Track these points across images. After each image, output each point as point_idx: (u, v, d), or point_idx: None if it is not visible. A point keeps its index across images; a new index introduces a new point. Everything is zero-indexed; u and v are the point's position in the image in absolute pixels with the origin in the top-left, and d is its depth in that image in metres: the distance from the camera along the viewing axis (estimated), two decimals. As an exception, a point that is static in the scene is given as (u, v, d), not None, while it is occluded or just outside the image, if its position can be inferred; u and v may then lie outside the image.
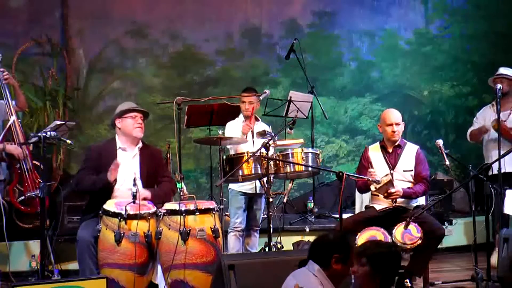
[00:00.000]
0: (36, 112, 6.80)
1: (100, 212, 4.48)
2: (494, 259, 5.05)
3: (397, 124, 5.20)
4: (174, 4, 7.54)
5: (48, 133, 4.78)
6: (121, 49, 7.42)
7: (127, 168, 4.80)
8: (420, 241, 4.76)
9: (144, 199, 4.60)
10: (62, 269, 5.46)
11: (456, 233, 6.59)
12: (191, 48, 7.60)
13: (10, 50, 6.64)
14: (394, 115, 5.25)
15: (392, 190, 5.02)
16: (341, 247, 3.32)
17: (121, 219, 4.35)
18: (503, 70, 5.95)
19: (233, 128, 5.70)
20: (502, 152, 5.23)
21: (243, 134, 5.50)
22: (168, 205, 4.59)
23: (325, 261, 3.30)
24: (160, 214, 4.48)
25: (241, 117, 5.78)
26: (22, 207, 5.34)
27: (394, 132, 5.18)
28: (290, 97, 5.99)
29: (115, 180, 4.73)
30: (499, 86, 5.50)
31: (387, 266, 3.24)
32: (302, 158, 5.18)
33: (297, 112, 5.91)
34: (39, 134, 4.78)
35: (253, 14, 7.79)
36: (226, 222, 5.64)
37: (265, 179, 5.12)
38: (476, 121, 6.12)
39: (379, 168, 5.22)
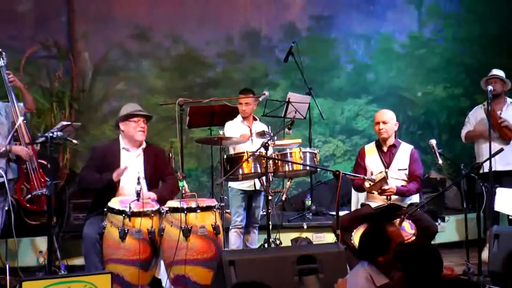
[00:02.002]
0: (43, 113, 6.81)
1: (105, 209, 4.51)
2: (485, 254, 5.08)
3: (383, 122, 5.23)
4: (176, 8, 7.54)
5: (55, 133, 4.81)
6: (125, 52, 7.43)
7: (131, 167, 4.82)
8: (413, 238, 4.79)
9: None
10: (68, 265, 5.48)
11: (448, 230, 6.61)
12: (193, 50, 7.61)
13: (18, 54, 6.66)
14: (381, 114, 5.30)
15: (386, 187, 5.05)
16: (377, 240, 3.31)
17: (125, 216, 4.37)
18: (496, 72, 5.98)
19: (232, 128, 5.72)
20: (492, 147, 5.27)
21: (242, 138, 5.52)
22: (171, 203, 4.61)
23: (369, 257, 3.30)
24: (162, 211, 4.51)
25: (239, 117, 5.80)
26: (28, 205, 5.35)
27: (380, 130, 5.23)
28: (289, 98, 6.01)
29: (118, 181, 4.76)
30: (490, 87, 5.55)
31: (420, 269, 2.99)
32: (300, 157, 5.20)
33: (295, 113, 5.93)
34: (46, 135, 4.81)
35: (252, 18, 7.80)
36: (226, 219, 5.67)
37: (264, 177, 5.15)
38: (468, 121, 6.15)
39: (374, 166, 5.25)
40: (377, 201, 5.20)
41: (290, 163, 5.21)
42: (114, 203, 4.51)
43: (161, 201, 4.72)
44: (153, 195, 4.71)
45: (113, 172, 4.71)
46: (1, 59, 5.26)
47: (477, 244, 5.12)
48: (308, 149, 5.33)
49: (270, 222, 5.16)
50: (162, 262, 4.58)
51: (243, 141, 5.51)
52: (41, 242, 5.68)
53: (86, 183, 4.88)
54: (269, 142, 5.10)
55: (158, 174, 4.95)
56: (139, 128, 4.85)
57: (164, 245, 4.47)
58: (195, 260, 4.39)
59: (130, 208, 4.37)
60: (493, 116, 5.72)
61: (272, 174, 5.22)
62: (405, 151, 5.30)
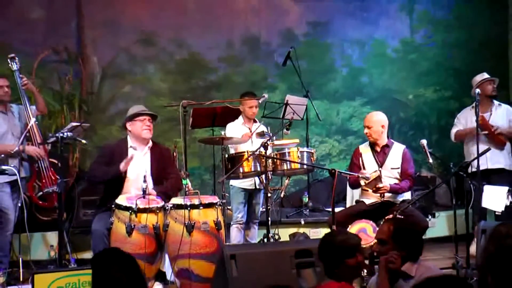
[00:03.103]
0: (54, 114, 6.82)
1: (113, 206, 4.51)
2: (473, 248, 5.08)
3: (368, 127, 5.26)
4: (179, 15, 7.53)
5: (65, 133, 4.82)
6: (131, 56, 7.43)
7: (138, 165, 4.83)
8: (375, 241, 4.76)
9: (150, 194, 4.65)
10: (78, 258, 5.48)
11: (438, 225, 6.61)
12: (196, 55, 7.60)
13: (30, 58, 6.67)
14: (367, 119, 5.35)
15: (380, 185, 5.06)
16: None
17: (132, 213, 4.38)
18: (486, 75, 5.99)
19: (233, 129, 5.72)
20: (480, 149, 5.28)
21: (244, 138, 5.52)
22: (175, 200, 4.62)
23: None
24: (167, 208, 4.51)
25: (240, 119, 5.80)
26: (40, 202, 5.38)
27: (366, 133, 5.27)
28: (287, 100, 6.01)
29: (125, 172, 4.76)
30: (477, 90, 5.56)
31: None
32: (298, 156, 5.21)
33: (293, 114, 5.93)
34: (57, 135, 4.83)
35: (252, 24, 7.79)
36: (228, 215, 5.67)
37: (263, 176, 5.15)
38: (458, 121, 6.14)
39: (368, 165, 5.25)
40: (371, 198, 5.21)
41: (288, 162, 5.21)
42: (121, 199, 4.52)
43: (167, 196, 4.73)
44: (154, 192, 4.71)
45: (118, 177, 4.72)
46: (15, 63, 5.28)
47: (465, 239, 5.11)
48: (305, 149, 5.34)
49: (269, 218, 5.16)
50: (166, 256, 4.58)
51: (244, 141, 5.51)
52: (52, 237, 5.69)
53: (95, 176, 4.89)
54: (268, 142, 5.10)
55: (163, 172, 4.95)
56: (145, 127, 4.86)
57: (168, 240, 4.47)
58: (198, 254, 4.40)
59: (136, 204, 4.38)
60: (487, 127, 5.72)
61: (271, 172, 5.23)
62: (397, 150, 5.31)
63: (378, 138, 5.27)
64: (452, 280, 2.14)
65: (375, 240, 4.66)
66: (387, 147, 5.30)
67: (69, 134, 4.87)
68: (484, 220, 5.25)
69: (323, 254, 3.12)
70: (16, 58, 5.29)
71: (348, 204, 5.56)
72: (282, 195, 6.19)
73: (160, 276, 4.65)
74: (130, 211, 4.38)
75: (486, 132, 5.73)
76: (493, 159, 5.71)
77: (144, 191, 4.44)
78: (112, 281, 2.53)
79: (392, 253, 3.12)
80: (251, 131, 5.67)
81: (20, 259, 5.07)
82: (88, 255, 5.43)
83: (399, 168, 5.24)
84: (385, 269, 3.11)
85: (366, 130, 5.28)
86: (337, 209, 4.91)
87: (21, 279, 4.95)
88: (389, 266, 3.10)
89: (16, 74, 5.26)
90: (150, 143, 4.96)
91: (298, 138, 6.04)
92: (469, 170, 5.51)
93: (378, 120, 5.29)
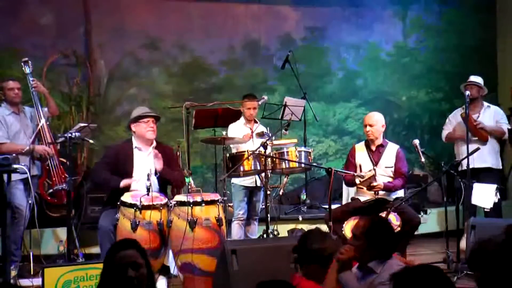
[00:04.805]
0: (63, 115, 6.81)
1: (118, 203, 4.50)
2: (463, 243, 5.08)
3: (370, 125, 5.24)
4: (183, 20, 7.54)
5: (73, 134, 4.82)
6: (137, 60, 7.42)
7: (143, 164, 4.82)
8: (399, 228, 4.79)
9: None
10: (85, 253, 5.48)
11: (430, 221, 6.60)
12: (198, 59, 7.60)
13: (40, 62, 6.65)
14: (368, 117, 5.31)
15: (375, 183, 5.05)
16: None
17: (137, 209, 4.36)
18: (473, 78, 5.97)
19: (235, 129, 5.72)
20: (470, 147, 5.27)
21: (244, 138, 5.52)
22: (178, 197, 4.61)
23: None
24: (170, 205, 4.50)
25: (242, 119, 5.79)
26: (50, 199, 5.37)
27: (367, 132, 5.25)
28: (285, 102, 6.01)
29: (131, 172, 4.75)
30: (467, 92, 5.54)
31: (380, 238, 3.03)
32: (296, 155, 5.20)
33: (292, 115, 5.93)
34: (66, 135, 4.82)
35: (252, 29, 7.79)
36: (229, 212, 5.66)
37: (263, 174, 5.14)
38: (449, 122, 6.13)
39: (364, 164, 5.24)
40: (366, 196, 5.20)
41: (286, 161, 5.20)
42: (126, 197, 4.51)
43: (167, 179, 4.77)
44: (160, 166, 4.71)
45: (123, 177, 4.70)
46: (27, 67, 5.30)
47: (456, 234, 5.12)
48: (303, 148, 5.33)
49: (268, 215, 5.16)
50: (170, 251, 4.58)
51: (245, 141, 5.51)
52: (61, 233, 5.68)
53: (96, 178, 4.85)
54: (268, 142, 5.10)
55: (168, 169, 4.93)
56: (149, 128, 4.84)
57: (172, 235, 4.46)
58: (200, 249, 4.38)
59: (140, 202, 4.37)
60: (470, 120, 5.71)
61: (270, 171, 5.22)
62: (391, 150, 5.30)
63: (378, 137, 5.27)
64: (427, 269, 2.16)
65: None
66: (382, 146, 5.30)
67: (77, 134, 4.86)
68: (473, 216, 5.26)
69: (299, 250, 3.17)
70: (29, 62, 5.29)
71: (344, 202, 5.55)
72: (281, 193, 6.19)
73: (164, 270, 4.65)
74: (134, 208, 4.36)
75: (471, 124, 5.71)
76: (480, 159, 5.69)
77: (148, 189, 4.42)
78: (132, 263, 2.64)
79: (345, 246, 3.08)
80: (252, 131, 5.67)
81: (31, 253, 5.07)
82: (95, 250, 5.42)
83: (393, 167, 5.23)
84: (335, 259, 3.03)
85: (368, 128, 5.24)
86: (333, 206, 4.90)
87: (32, 273, 4.96)
88: (338, 257, 3.02)
89: (29, 77, 5.26)
90: (154, 143, 4.95)
91: (296, 138, 6.03)
92: (459, 168, 5.52)
93: (380, 119, 5.29)
